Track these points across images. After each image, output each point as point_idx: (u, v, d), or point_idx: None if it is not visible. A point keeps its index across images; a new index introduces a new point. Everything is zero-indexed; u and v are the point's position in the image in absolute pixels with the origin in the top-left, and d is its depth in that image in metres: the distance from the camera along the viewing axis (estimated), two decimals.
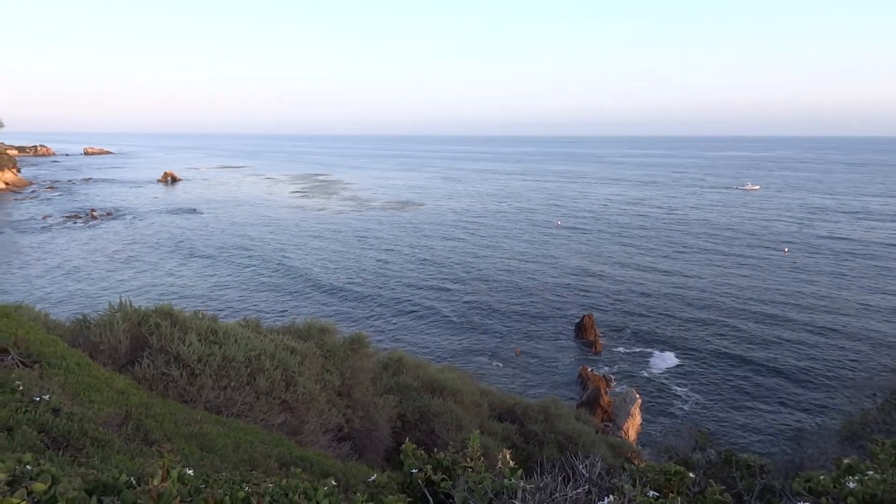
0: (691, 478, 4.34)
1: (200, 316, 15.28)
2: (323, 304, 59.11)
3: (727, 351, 47.02)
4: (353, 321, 52.38)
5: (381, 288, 64.67)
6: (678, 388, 41.61)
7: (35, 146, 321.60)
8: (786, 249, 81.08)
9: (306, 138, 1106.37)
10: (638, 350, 48.05)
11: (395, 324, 54.18)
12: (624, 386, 41.56)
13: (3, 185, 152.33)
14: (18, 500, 2.29)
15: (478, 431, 4.03)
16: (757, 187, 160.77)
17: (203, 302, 57.89)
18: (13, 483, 2.51)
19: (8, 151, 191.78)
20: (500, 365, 45.57)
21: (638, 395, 36.53)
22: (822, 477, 4.30)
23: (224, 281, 67.84)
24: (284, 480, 3.22)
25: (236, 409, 12.24)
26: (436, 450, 4.31)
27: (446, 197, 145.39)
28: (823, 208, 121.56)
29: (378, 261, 76.81)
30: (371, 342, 17.91)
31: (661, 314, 55.34)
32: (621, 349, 48.46)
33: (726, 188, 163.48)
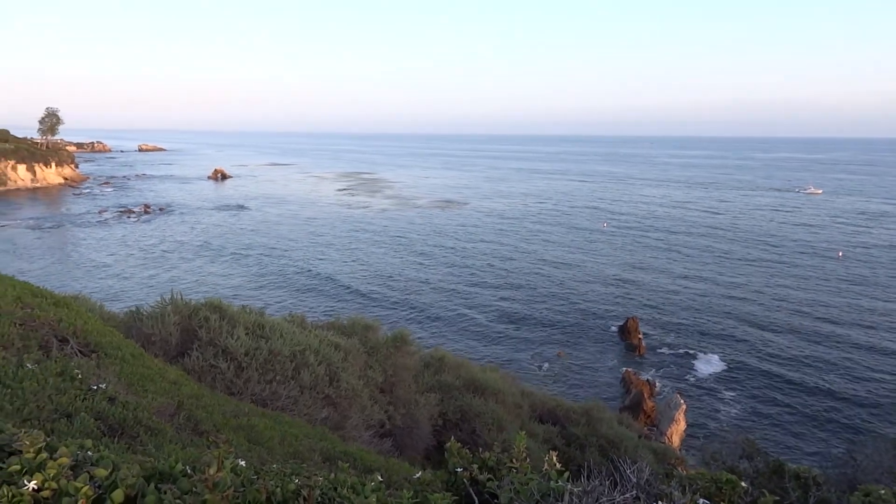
0: (743, 487, 4.22)
1: (248, 310, 15.60)
2: (365, 302, 59.65)
3: (775, 360, 45.69)
4: (393, 319, 52.74)
5: (422, 287, 64.94)
6: (722, 396, 40.63)
7: (92, 143, 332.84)
8: (840, 253, 78.58)
9: (351, 137, 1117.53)
10: (682, 355, 47.11)
11: (436, 323, 54.33)
12: (667, 391, 40.85)
13: (62, 180, 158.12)
14: (81, 485, 2.39)
15: (524, 433, 4.00)
16: (820, 191, 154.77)
17: (248, 297, 59.02)
18: (76, 468, 2.61)
19: (67, 148, 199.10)
20: (542, 366, 45.28)
21: (682, 401, 35.86)
22: (882, 491, 4.14)
23: (269, 277, 69.09)
24: (332, 475, 3.27)
25: (281, 402, 12.44)
26: (480, 449, 4.30)
27: (489, 196, 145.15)
28: (884, 214, 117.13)
29: (420, 260, 77.17)
30: (413, 340, 18.01)
31: (707, 320, 54.18)
32: (665, 353, 47.61)
33: (780, 191, 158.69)
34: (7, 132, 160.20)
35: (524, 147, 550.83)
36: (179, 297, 14.51)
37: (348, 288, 64.75)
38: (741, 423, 37.25)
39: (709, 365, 45.22)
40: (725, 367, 44.72)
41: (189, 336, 13.61)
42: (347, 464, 3.84)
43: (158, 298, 14.35)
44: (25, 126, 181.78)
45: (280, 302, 59.01)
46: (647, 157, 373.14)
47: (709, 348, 48.03)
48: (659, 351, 48.09)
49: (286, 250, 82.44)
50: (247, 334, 13.45)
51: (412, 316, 55.75)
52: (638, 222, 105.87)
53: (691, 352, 47.54)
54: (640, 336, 49.24)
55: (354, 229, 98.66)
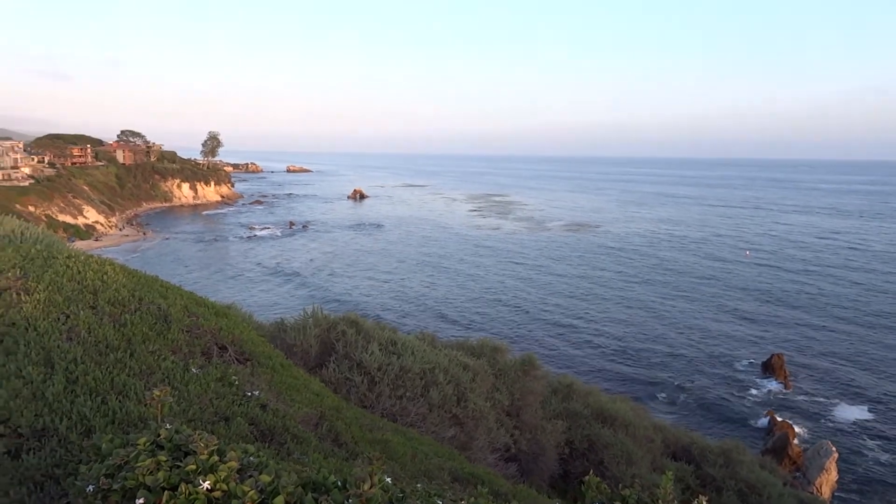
0: None
1: (382, 326, 16.14)
2: (488, 324, 59.72)
3: None
4: (516, 342, 52.25)
5: (548, 310, 64.07)
6: (873, 448, 36.53)
7: (246, 164, 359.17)
8: None
9: (480, 158, 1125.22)
10: (827, 399, 42.99)
11: (560, 348, 53.25)
12: (812, 435, 37.52)
13: (219, 198, 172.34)
14: (248, 489, 2.58)
15: (670, 472, 3.83)
16: None
17: (379, 312, 60.98)
18: (241, 471, 2.82)
19: (224, 168, 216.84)
20: (676, 399, 43.12)
21: (834, 449, 32.73)
22: None
23: (399, 294, 71.05)
24: (472, 498, 3.30)
25: (410, 418, 12.69)
26: (620, 485, 4.17)
27: (620, 221, 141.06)
28: None
29: (547, 284, 76.24)
30: (541, 365, 17.79)
31: (856, 364, 48.97)
32: (810, 396, 43.70)
33: None
34: (174, 153, 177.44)
35: (662, 170, 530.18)
36: (320, 310, 15.28)
37: (473, 308, 65.20)
38: None
39: (857, 413, 40.90)
40: (875, 417, 40.29)
41: (327, 348, 14.27)
42: (486, 489, 3.86)
43: (301, 311, 15.18)
44: (191, 148, 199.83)
45: (410, 319, 60.42)
46: (797, 181, 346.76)
47: (857, 395, 43.50)
48: (806, 392, 44.33)
49: (416, 270, 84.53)
50: (380, 350, 13.88)
51: (537, 339, 55.10)
52: (783, 253, 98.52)
53: (837, 397, 43.30)
54: (787, 374, 45.66)
55: (483, 252, 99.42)
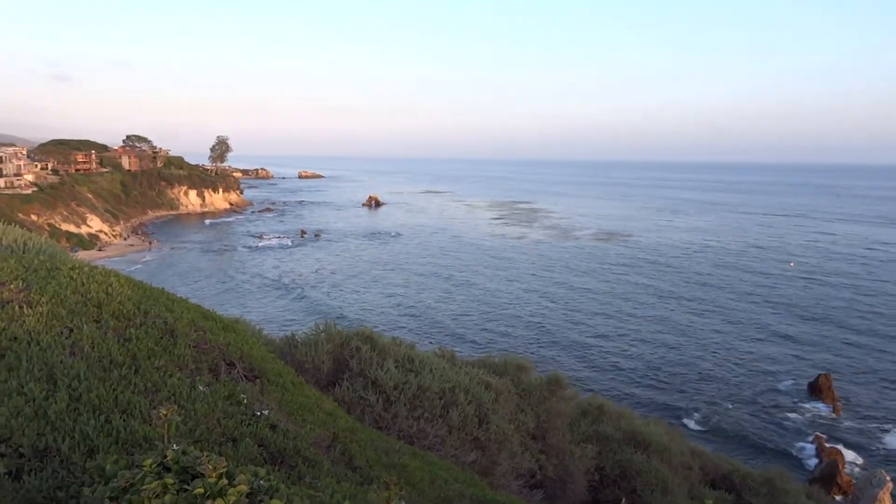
0: None
1: (398, 342, 16.13)
2: (510, 340, 59.46)
3: None
4: (537, 362, 51.87)
5: (573, 327, 63.65)
6: None
7: (256, 169, 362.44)
8: None
9: (507, 163, 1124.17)
10: (886, 424, 42.20)
11: (585, 368, 52.79)
12: (866, 463, 36.81)
13: (228, 205, 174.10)
14: None
15: (709, 502, 3.79)
16: None
17: (394, 327, 61.04)
18: (251, 495, 2.85)
19: (234, 174, 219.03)
20: (712, 423, 42.57)
21: (889, 479, 32.04)
22: None
23: (414, 308, 71.08)
24: None
25: (428, 441, 12.64)
26: None
27: (656, 229, 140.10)
28: None
29: (572, 298, 75.82)
30: (569, 385, 17.66)
31: None
32: (864, 420, 42.94)
33: None
34: (182, 159, 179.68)
35: (696, 175, 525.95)
36: (332, 325, 15.31)
37: (493, 325, 64.98)
38: None
39: None
40: None
41: (340, 365, 14.27)
42: None
43: (312, 325, 15.23)
44: (199, 153, 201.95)
45: (427, 335, 60.40)
46: (843, 187, 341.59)
47: None
48: (854, 417, 43.52)
49: (432, 283, 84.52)
50: (396, 367, 13.85)
51: (561, 359, 54.70)
52: (829, 266, 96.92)
53: (892, 423, 42.45)
54: (836, 396, 44.86)
55: (505, 264, 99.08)
